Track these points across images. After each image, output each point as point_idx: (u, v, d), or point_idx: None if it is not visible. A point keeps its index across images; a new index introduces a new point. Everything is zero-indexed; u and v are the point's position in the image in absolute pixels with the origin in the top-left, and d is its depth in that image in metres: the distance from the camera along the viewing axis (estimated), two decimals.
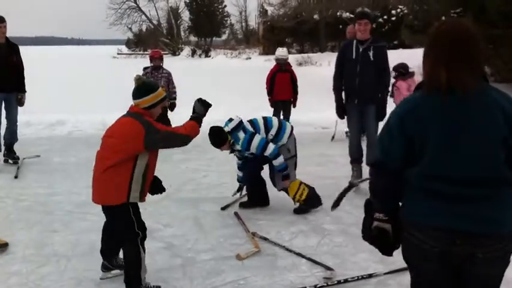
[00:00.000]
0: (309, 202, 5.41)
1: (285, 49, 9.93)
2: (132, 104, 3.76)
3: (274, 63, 9.77)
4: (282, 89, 9.35)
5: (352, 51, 6.00)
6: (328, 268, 4.09)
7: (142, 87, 3.72)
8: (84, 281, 3.99)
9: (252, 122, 5.38)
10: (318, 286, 3.83)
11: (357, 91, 6.01)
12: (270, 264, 4.26)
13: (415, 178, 2.20)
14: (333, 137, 9.58)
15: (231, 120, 5.35)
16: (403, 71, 8.81)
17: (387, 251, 2.41)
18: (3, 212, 5.59)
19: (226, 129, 5.28)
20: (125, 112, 3.81)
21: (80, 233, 4.95)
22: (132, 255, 3.67)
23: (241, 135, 5.22)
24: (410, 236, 2.26)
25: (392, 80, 9.11)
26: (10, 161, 7.69)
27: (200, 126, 3.82)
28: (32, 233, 4.96)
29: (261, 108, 9.74)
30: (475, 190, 2.12)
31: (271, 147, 5.18)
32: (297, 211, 5.41)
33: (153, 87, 3.76)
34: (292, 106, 9.58)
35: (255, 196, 5.68)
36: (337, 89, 6.28)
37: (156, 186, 3.86)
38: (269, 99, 9.51)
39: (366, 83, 5.93)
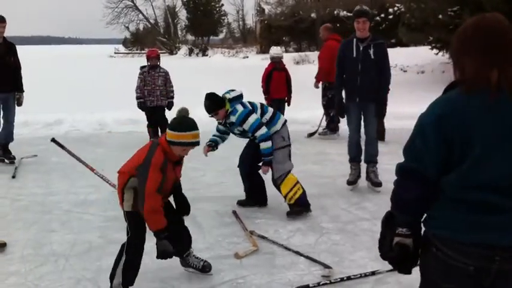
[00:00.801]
0: (299, 205, 5.26)
1: (279, 48, 9.99)
2: None
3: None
4: (278, 88, 9.39)
5: (352, 49, 6.00)
6: (326, 266, 4.09)
7: (176, 120, 3.69)
8: (83, 280, 3.98)
9: (250, 103, 5.36)
10: (320, 283, 3.84)
11: (359, 89, 6.00)
12: (268, 262, 4.26)
13: (450, 187, 2.02)
14: (311, 134, 9.59)
15: (232, 90, 5.33)
16: None
17: (406, 269, 2.21)
18: (0, 212, 5.58)
19: (227, 96, 5.23)
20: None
21: (77, 233, 4.95)
22: (117, 256, 3.71)
23: (240, 108, 5.18)
24: (439, 252, 2.05)
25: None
26: (6, 160, 7.68)
27: (158, 245, 3.53)
28: (30, 233, 4.96)
29: None
30: None
31: (264, 129, 5.17)
32: (289, 214, 5.27)
33: (184, 127, 3.60)
34: (286, 104, 9.61)
35: (253, 194, 5.65)
36: (337, 88, 6.28)
37: (181, 207, 3.93)
38: (265, 98, 9.51)
39: (368, 82, 5.93)
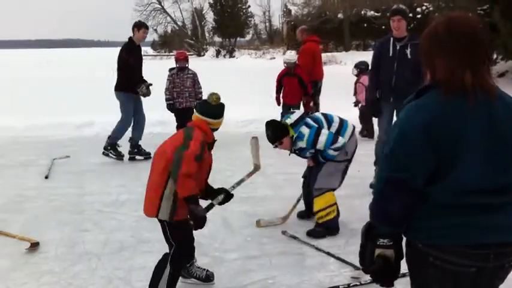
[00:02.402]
0: (324, 227, 4.85)
1: (293, 52, 9.79)
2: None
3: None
4: (290, 93, 9.19)
5: (389, 48, 5.94)
6: (356, 268, 4.07)
7: (215, 107, 3.64)
8: (115, 279, 4.04)
9: (313, 118, 4.88)
10: (350, 285, 3.84)
11: (393, 89, 5.95)
12: (298, 263, 4.27)
13: (440, 194, 1.97)
14: None
15: (292, 112, 4.95)
16: (363, 67, 9.03)
17: (389, 281, 2.16)
18: (34, 212, 5.70)
19: (289, 121, 4.75)
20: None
21: (109, 232, 5.03)
22: (157, 267, 3.55)
23: (305, 130, 4.69)
24: (438, 261, 2.02)
25: (354, 78, 9.18)
26: (140, 157, 8.15)
27: (193, 210, 3.32)
28: (63, 232, 5.05)
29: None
30: (505, 198, 1.99)
31: (340, 141, 4.68)
32: (309, 233, 4.83)
33: (222, 112, 3.69)
34: (303, 108, 9.54)
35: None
36: (372, 87, 6.22)
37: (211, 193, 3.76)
38: (276, 98, 9.41)
39: (403, 81, 5.86)
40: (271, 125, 4.79)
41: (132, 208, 5.63)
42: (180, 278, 3.81)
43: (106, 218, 5.45)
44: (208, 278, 3.95)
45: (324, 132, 4.69)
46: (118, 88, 8.06)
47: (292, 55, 9.54)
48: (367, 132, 9.33)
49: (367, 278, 3.91)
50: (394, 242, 2.10)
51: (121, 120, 8.10)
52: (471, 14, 2.09)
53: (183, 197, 3.30)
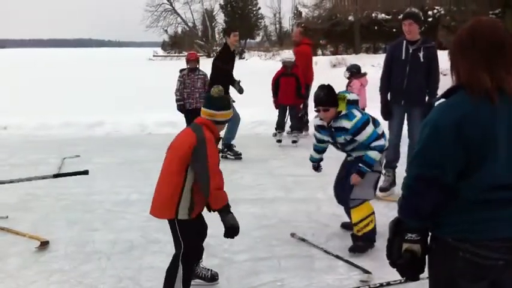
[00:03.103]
0: (364, 240, 4.53)
1: (292, 52, 9.79)
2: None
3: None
4: (286, 93, 9.12)
5: (401, 51, 5.92)
6: (365, 271, 4.07)
7: (220, 100, 3.79)
8: (124, 279, 4.06)
9: (363, 111, 4.72)
10: None
11: (404, 92, 5.93)
12: (307, 266, 4.26)
13: (470, 190, 2.04)
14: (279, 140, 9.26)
15: (351, 92, 4.76)
16: (355, 70, 9.01)
17: (415, 276, 2.22)
18: (44, 210, 5.73)
19: (347, 96, 4.51)
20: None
21: (119, 232, 5.04)
22: (169, 269, 3.54)
23: (358, 113, 4.46)
24: (468, 254, 2.05)
25: (346, 81, 9.17)
26: (231, 156, 8.24)
27: (228, 220, 3.42)
28: (73, 231, 5.08)
29: None
30: None
31: (382, 140, 4.49)
32: (353, 249, 4.48)
33: (227, 105, 3.77)
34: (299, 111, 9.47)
35: None
36: (383, 90, 6.19)
37: None
38: (274, 101, 9.37)
39: (414, 85, 5.85)
40: (327, 88, 4.51)
41: (141, 208, 5.63)
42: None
43: (115, 217, 5.47)
44: (213, 277, 3.97)
45: (371, 126, 4.48)
46: None
47: (291, 54, 9.53)
48: None
49: (376, 281, 3.91)
50: (421, 237, 2.16)
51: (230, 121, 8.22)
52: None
53: (216, 209, 3.42)
